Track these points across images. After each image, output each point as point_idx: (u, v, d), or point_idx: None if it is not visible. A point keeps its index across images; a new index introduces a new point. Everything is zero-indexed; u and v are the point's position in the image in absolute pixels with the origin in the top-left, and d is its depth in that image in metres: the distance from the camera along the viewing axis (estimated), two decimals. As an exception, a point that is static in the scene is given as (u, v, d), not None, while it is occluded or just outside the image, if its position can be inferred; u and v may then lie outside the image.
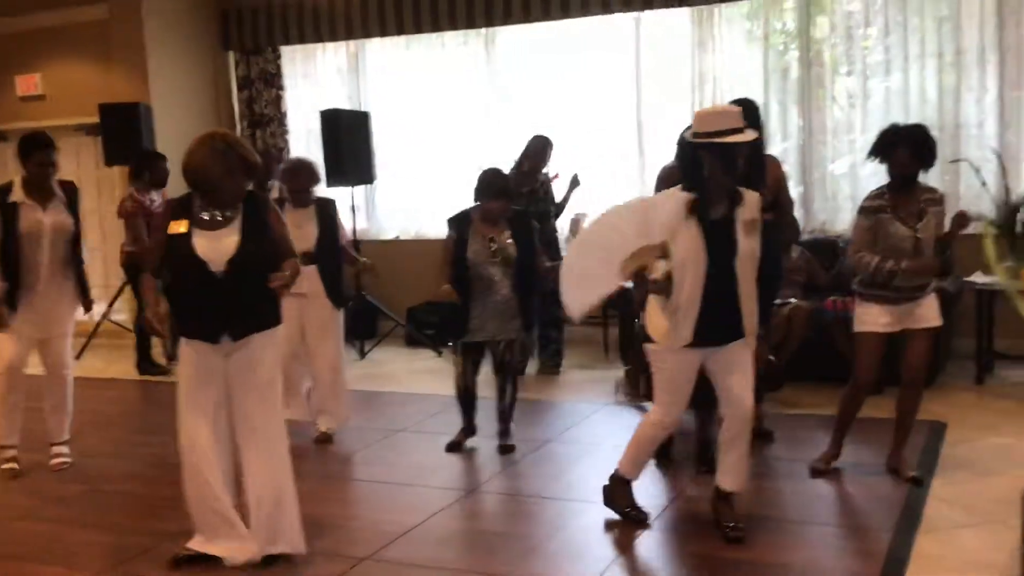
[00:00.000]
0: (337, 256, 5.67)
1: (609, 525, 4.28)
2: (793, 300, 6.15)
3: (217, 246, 3.75)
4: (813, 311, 6.15)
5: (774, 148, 7.35)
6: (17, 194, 5.09)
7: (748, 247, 3.86)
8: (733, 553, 3.92)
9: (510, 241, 5.18)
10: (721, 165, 3.78)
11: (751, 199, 3.90)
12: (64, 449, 5.49)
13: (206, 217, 3.79)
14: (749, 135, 3.83)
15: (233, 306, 3.78)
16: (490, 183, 5.20)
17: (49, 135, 5.23)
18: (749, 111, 5.08)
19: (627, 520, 4.26)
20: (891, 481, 4.60)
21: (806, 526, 4.19)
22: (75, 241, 5.28)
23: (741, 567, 3.82)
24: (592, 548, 4.08)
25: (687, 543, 4.11)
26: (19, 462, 5.35)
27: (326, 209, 5.63)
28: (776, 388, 6.11)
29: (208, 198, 3.79)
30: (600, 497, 4.59)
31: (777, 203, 5.17)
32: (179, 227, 3.77)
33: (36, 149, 5.07)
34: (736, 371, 3.99)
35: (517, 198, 6.87)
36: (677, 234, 3.84)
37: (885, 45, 7.31)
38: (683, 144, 4.02)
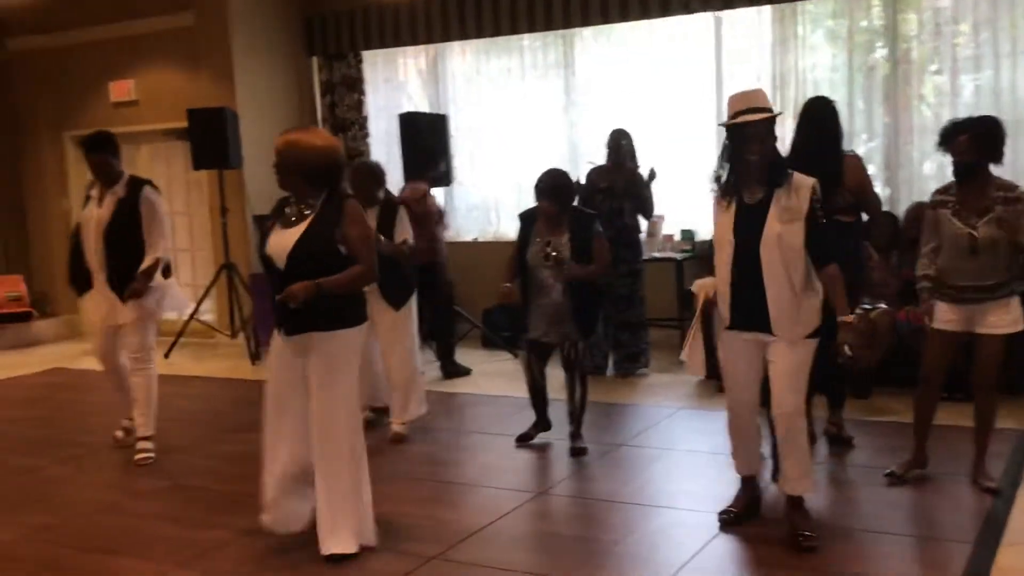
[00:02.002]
0: (392, 257, 5.60)
1: (679, 530, 4.23)
2: (882, 305, 6.00)
3: (282, 242, 3.91)
4: (896, 317, 6.00)
5: (859, 148, 7.19)
6: (92, 190, 5.56)
7: (775, 232, 3.77)
8: (804, 561, 3.84)
9: (567, 244, 5.14)
10: (736, 146, 3.82)
11: (799, 184, 3.81)
12: (148, 444, 5.63)
13: (288, 213, 3.98)
14: (757, 115, 3.78)
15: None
16: (541, 182, 5.20)
17: (103, 135, 5.53)
18: (821, 108, 5.00)
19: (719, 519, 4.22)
20: (974, 491, 4.45)
21: (882, 536, 4.07)
22: (115, 235, 5.39)
23: (812, 577, 3.75)
24: (660, 553, 4.04)
25: (759, 550, 4.03)
26: (119, 439, 5.85)
27: (385, 210, 5.66)
28: (864, 395, 6.00)
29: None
30: (670, 501, 4.57)
31: (860, 205, 5.05)
32: (271, 226, 4.03)
33: (85, 151, 5.48)
34: (777, 367, 3.89)
35: (595, 194, 6.86)
36: (716, 215, 3.99)
37: (976, 42, 7.08)
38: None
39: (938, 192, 4.44)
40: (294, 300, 3.78)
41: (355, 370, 4.05)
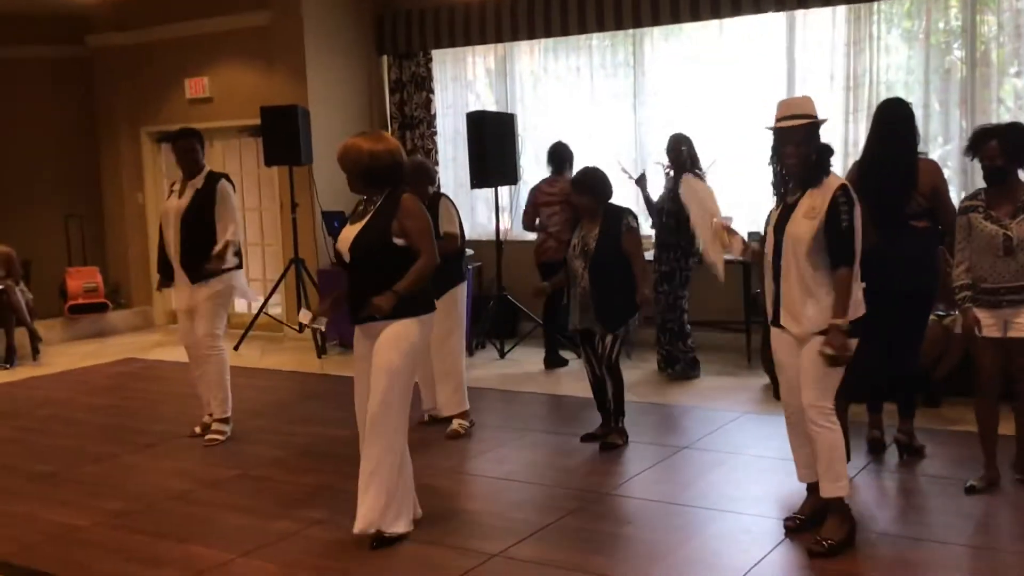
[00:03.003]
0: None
1: (743, 535, 4.20)
2: (954, 312, 5.87)
3: (347, 237, 4.20)
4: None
5: (935, 151, 7.05)
6: (175, 184, 5.91)
7: (794, 230, 3.93)
8: (870, 571, 3.79)
9: (595, 236, 5.38)
10: (776, 149, 4.05)
11: (827, 184, 3.94)
12: (222, 427, 5.90)
13: (357, 211, 4.25)
14: (795, 121, 3.95)
15: (357, 293, 4.16)
16: (573, 178, 5.60)
17: (191, 129, 5.98)
18: (896, 111, 4.92)
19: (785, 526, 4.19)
20: (1050, 505, 4.35)
21: (950, 547, 4.01)
22: (191, 222, 5.71)
23: (879, 587, 3.69)
24: (724, 558, 4.01)
25: (828, 558, 3.96)
26: (196, 433, 5.99)
27: (430, 205, 5.70)
28: (935, 404, 5.89)
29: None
30: (735, 506, 4.53)
31: (934, 211, 4.94)
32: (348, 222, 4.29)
33: (174, 138, 5.88)
34: (802, 362, 3.96)
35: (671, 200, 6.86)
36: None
37: (1058, 44, 6.90)
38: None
39: (967, 198, 4.58)
40: (379, 311, 4.02)
41: (413, 358, 4.18)
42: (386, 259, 4.10)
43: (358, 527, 4.13)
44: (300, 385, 7.61)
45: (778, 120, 4.03)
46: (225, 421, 5.90)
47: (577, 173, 5.57)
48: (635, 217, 5.54)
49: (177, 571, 4.05)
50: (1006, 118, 7.09)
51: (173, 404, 6.98)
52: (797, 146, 3.95)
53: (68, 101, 10.65)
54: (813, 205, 3.91)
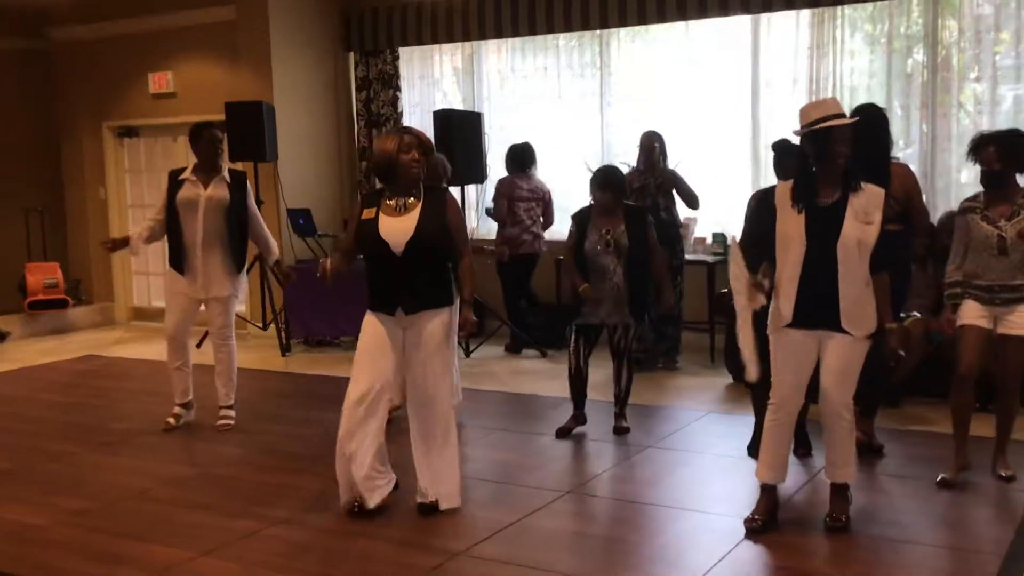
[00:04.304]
0: None
1: (706, 534, 4.23)
2: (916, 314, 5.97)
3: (398, 229, 4.30)
4: (930, 327, 5.96)
5: (896, 155, 7.12)
6: (185, 174, 5.88)
7: (854, 234, 3.93)
8: (830, 569, 3.83)
9: (623, 232, 5.51)
10: (816, 151, 3.97)
11: (871, 191, 4.00)
12: (229, 412, 6.07)
13: (392, 204, 4.36)
14: (842, 120, 3.96)
15: (409, 283, 4.33)
16: (595, 176, 5.65)
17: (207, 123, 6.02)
18: (870, 116, 5.00)
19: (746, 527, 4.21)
20: (1007, 501, 4.42)
21: (911, 545, 4.05)
22: (235, 215, 5.85)
23: (839, 584, 3.73)
24: (687, 556, 4.04)
25: (788, 556, 4.01)
26: (171, 425, 6.06)
27: None
28: (896, 404, 5.97)
29: (392, 186, 4.38)
30: (698, 504, 4.57)
31: (907, 214, 5.02)
32: (369, 214, 4.39)
33: (204, 129, 5.91)
34: (831, 362, 4.03)
35: (629, 194, 6.92)
36: (782, 216, 4.05)
37: (1017, 50, 7.00)
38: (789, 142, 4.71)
39: (966, 200, 4.74)
40: (473, 327, 4.41)
41: (453, 343, 4.50)
42: (442, 251, 4.36)
43: (448, 504, 4.49)
44: (264, 383, 7.55)
45: (819, 121, 3.94)
46: (232, 407, 6.11)
47: (599, 172, 5.68)
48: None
49: (138, 570, 4.01)
50: (966, 123, 7.22)
51: (134, 402, 6.91)
52: (848, 144, 3.97)
53: (29, 94, 10.50)
54: (866, 210, 3.94)
